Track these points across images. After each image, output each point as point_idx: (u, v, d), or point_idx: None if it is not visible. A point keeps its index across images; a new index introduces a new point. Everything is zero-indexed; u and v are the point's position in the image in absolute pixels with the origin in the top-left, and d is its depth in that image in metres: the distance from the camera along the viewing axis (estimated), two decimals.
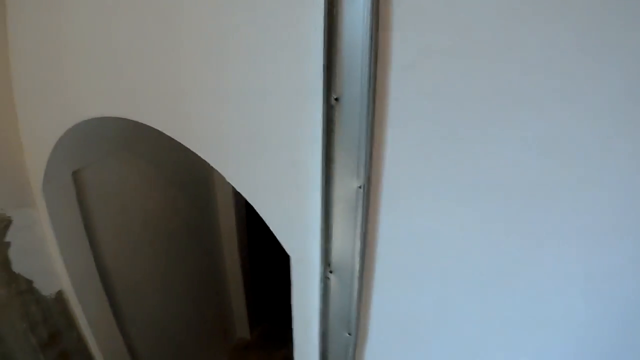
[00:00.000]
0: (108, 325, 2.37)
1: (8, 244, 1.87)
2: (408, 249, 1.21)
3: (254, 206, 1.35)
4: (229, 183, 1.70)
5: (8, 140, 1.80)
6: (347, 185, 1.17)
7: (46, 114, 1.69)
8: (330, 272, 1.35)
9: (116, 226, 2.34)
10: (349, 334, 1.44)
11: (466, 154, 1.01)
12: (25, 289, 2.00)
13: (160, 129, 1.39)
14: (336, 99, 1.05)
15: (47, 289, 2.09)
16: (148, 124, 1.40)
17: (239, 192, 1.43)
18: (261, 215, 1.35)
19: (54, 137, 1.70)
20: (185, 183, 2.85)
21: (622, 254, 0.98)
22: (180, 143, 1.43)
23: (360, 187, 1.13)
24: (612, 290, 1.06)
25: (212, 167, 1.40)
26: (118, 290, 2.41)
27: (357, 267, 1.28)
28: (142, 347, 2.64)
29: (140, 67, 1.36)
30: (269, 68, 1.13)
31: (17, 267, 1.93)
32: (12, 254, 1.90)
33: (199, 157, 1.43)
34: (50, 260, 2.07)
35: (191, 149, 1.37)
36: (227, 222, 3.29)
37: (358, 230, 1.23)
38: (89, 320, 2.25)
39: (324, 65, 1.01)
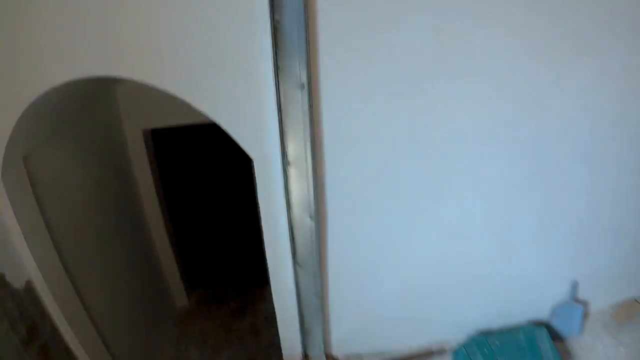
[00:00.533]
0: (76, 308, 2.52)
1: None
2: (349, 133, 1.70)
3: (219, 121, 1.71)
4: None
5: None
6: (293, 89, 1.60)
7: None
8: (289, 164, 1.77)
9: (63, 209, 2.50)
10: (310, 217, 1.87)
11: (381, 49, 1.53)
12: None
13: (126, 76, 1.65)
14: (278, 21, 1.48)
15: (17, 281, 2.20)
16: (114, 75, 1.66)
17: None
18: (225, 127, 1.71)
19: (10, 121, 1.86)
20: (110, 163, 3.06)
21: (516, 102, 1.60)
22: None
23: (303, 86, 1.57)
24: (513, 133, 1.68)
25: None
26: (76, 273, 2.56)
27: (309, 156, 1.73)
28: (106, 326, 2.81)
29: (100, 21, 1.59)
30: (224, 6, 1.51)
31: None
32: None
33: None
34: (15, 249, 2.19)
35: (158, 86, 1.65)
36: (149, 194, 3.52)
37: (307, 126, 1.68)
38: (58, 304, 2.39)
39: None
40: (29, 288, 2.29)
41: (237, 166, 3.68)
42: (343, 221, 1.88)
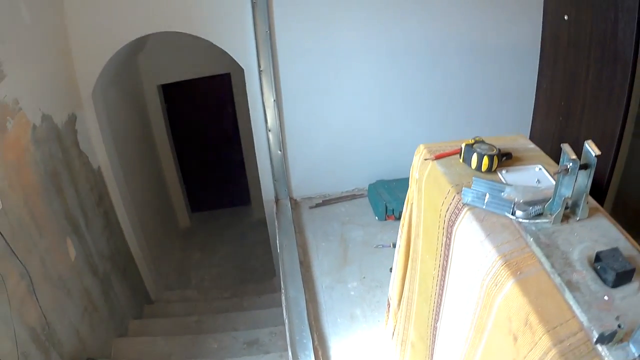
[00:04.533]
0: (123, 195, 3.86)
1: (76, 131, 3.32)
2: (294, 51, 3.13)
3: (225, 48, 3.14)
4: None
5: (66, 65, 3.21)
6: (264, 29, 3.03)
7: (96, 38, 3.17)
8: (261, 71, 3.20)
9: (117, 127, 3.87)
10: (274, 100, 3.30)
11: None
12: (85, 161, 3.45)
13: (172, 29, 3.08)
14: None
15: (94, 164, 3.55)
16: (166, 30, 3.08)
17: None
18: (228, 51, 3.14)
19: (103, 59, 3.21)
20: (137, 107, 4.46)
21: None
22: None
23: (267, 32, 3.01)
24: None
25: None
26: (124, 170, 3.92)
27: (271, 66, 3.15)
28: (137, 219, 4.14)
29: None
30: None
31: (81, 146, 3.38)
32: (79, 138, 3.35)
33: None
34: (94, 144, 3.53)
35: (186, 31, 3.08)
36: (161, 135, 4.92)
37: (270, 51, 3.10)
38: (114, 187, 3.74)
39: None
40: (99, 171, 3.64)
41: (223, 112, 5.11)
42: (292, 103, 3.33)
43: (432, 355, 1.48)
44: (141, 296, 4.09)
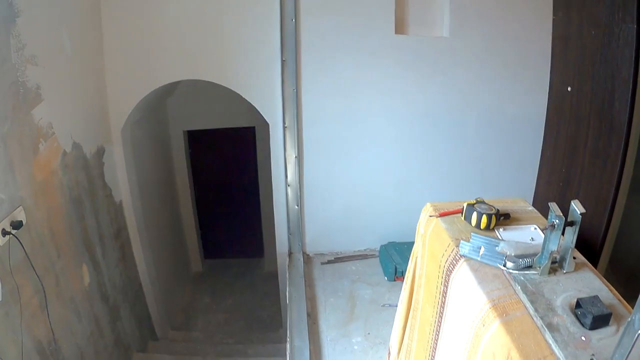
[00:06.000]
0: (141, 229, 4.01)
1: (103, 164, 3.52)
2: (316, 114, 3.37)
3: (255, 104, 3.39)
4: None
5: (100, 99, 3.42)
6: (290, 90, 3.28)
7: (130, 81, 3.43)
8: (286, 127, 3.42)
9: (140, 167, 4.06)
10: (296, 156, 3.49)
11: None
12: (108, 194, 3.63)
13: (205, 79, 3.35)
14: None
15: (116, 198, 3.73)
16: (200, 78, 3.35)
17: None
18: (258, 107, 3.38)
19: (136, 99, 3.48)
20: (162, 150, 4.70)
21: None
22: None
23: (294, 90, 3.26)
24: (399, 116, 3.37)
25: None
26: (144, 208, 4.08)
27: (295, 124, 3.38)
28: (152, 256, 4.27)
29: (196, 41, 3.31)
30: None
31: (106, 178, 3.57)
32: (105, 170, 3.54)
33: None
34: (118, 178, 3.72)
35: (218, 82, 3.35)
36: (183, 182, 5.13)
37: (295, 110, 3.34)
38: (137, 223, 3.90)
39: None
40: (121, 205, 3.81)
41: (245, 163, 5.34)
42: (312, 160, 3.52)
43: None
44: (147, 332, 4.14)
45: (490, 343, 1.02)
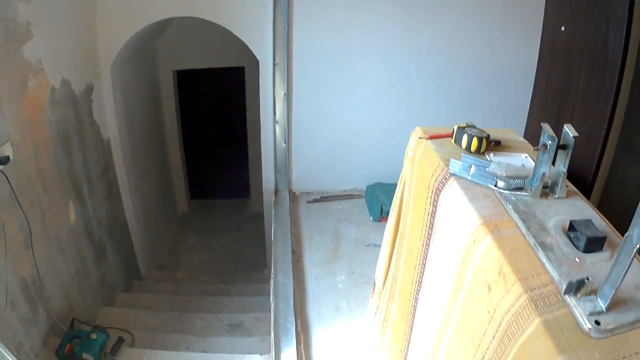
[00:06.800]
0: (128, 167, 3.95)
1: (92, 101, 3.42)
2: (307, 51, 3.24)
3: (246, 41, 3.25)
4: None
5: (90, 36, 3.32)
6: (282, 26, 3.14)
7: (120, 18, 3.29)
8: (275, 65, 3.30)
9: (129, 103, 3.96)
10: (285, 93, 3.40)
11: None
12: (96, 131, 3.54)
13: (196, 15, 3.19)
14: None
15: (104, 135, 3.64)
16: (191, 15, 3.19)
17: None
18: (249, 45, 3.25)
19: (125, 36, 3.33)
20: (151, 89, 4.56)
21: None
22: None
23: (285, 28, 3.13)
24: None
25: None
26: (132, 144, 4.00)
27: (285, 62, 3.26)
28: (138, 196, 4.22)
29: None
30: None
31: (94, 116, 3.47)
32: (93, 108, 3.44)
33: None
34: (107, 114, 3.62)
35: (209, 19, 3.20)
36: (171, 122, 5.01)
37: (286, 47, 3.21)
38: (124, 161, 3.82)
39: None
40: (108, 142, 3.72)
41: (233, 104, 5.22)
42: (301, 98, 3.43)
43: (411, 331, 1.54)
44: (132, 271, 4.15)
45: (482, 259, 1.00)
